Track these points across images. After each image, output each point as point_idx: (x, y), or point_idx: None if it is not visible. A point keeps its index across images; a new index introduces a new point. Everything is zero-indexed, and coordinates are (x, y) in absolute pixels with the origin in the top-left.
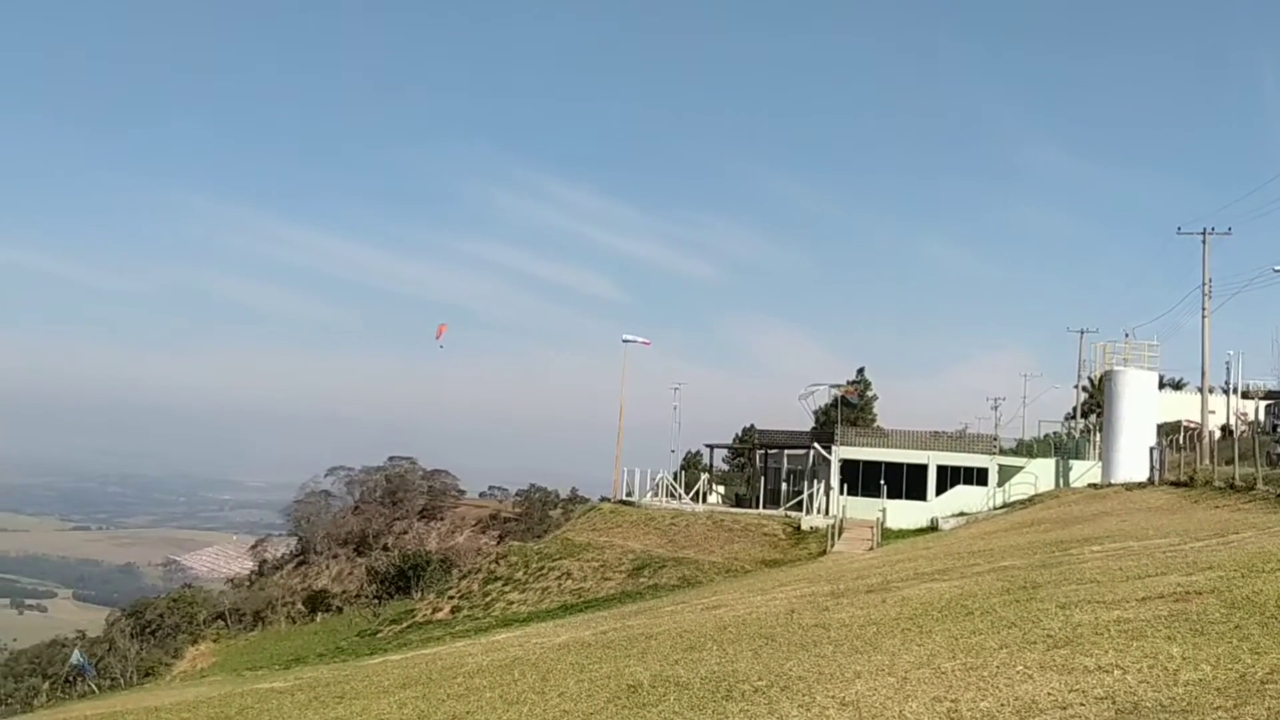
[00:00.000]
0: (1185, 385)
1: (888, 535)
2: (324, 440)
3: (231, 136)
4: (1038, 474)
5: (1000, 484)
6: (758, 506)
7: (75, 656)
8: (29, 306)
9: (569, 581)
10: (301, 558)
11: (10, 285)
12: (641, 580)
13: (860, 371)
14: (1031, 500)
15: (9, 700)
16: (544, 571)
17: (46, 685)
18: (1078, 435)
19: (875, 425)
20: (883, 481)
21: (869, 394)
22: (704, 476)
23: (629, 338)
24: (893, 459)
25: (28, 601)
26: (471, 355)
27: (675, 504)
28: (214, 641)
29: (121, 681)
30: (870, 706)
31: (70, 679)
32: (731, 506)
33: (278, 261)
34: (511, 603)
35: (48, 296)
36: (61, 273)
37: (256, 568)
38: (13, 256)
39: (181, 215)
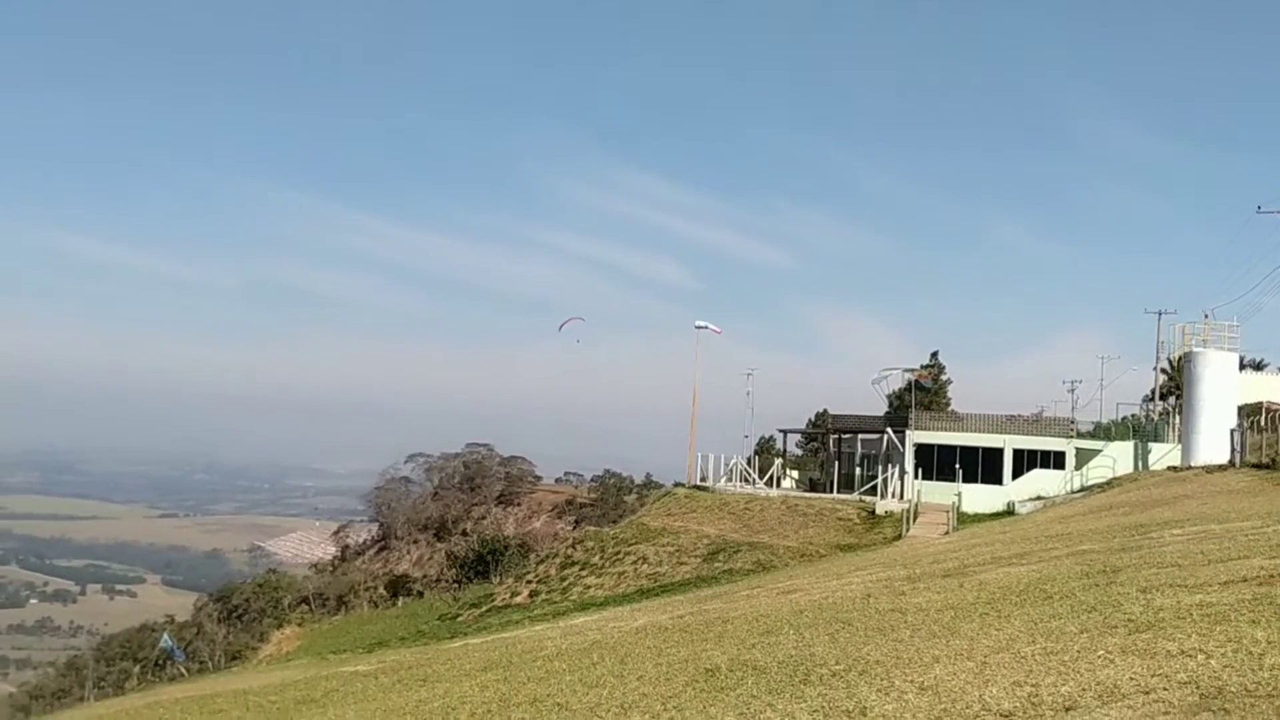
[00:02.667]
0: (1266, 366)
1: (963, 519)
2: (403, 428)
3: (306, 125)
4: (1116, 457)
5: (1077, 468)
6: (832, 491)
7: (164, 641)
8: (118, 301)
9: (645, 566)
10: (383, 543)
11: (99, 280)
12: (716, 565)
13: (934, 355)
14: (1110, 484)
15: (101, 683)
16: (620, 556)
17: (137, 669)
18: (1156, 418)
19: (949, 409)
20: (958, 466)
21: (943, 378)
22: (778, 461)
23: (701, 324)
24: (968, 443)
25: (118, 587)
26: (546, 342)
27: (749, 489)
28: (299, 625)
29: (210, 665)
30: (949, 691)
31: (160, 662)
32: (805, 491)
33: (352, 250)
34: (588, 587)
35: (134, 290)
36: (147, 266)
37: (339, 553)
38: (101, 251)
39: (259, 205)
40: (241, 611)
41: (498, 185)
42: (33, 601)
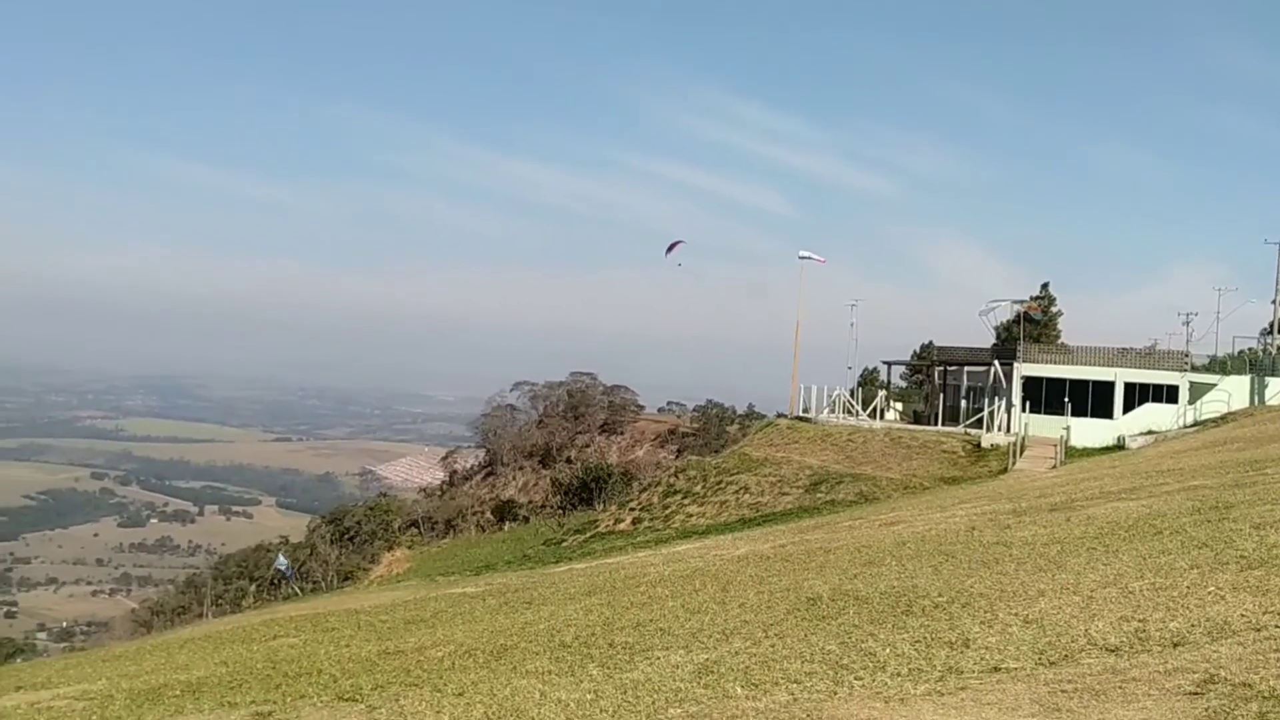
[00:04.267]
0: None
1: (1072, 454)
2: (509, 356)
3: (411, 57)
4: (1231, 392)
5: (1191, 402)
6: (936, 424)
7: (279, 561)
8: (235, 228)
9: (747, 496)
10: (489, 469)
11: (217, 208)
12: (819, 496)
13: (1044, 287)
14: (1224, 419)
15: (219, 600)
16: (722, 486)
17: (253, 587)
18: (1275, 352)
19: (1059, 342)
20: (1067, 399)
21: (1053, 310)
22: (881, 393)
23: (805, 254)
24: (1078, 376)
25: (234, 509)
26: (647, 271)
27: (852, 420)
28: (408, 548)
29: (323, 585)
30: (1055, 625)
31: (275, 582)
32: (909, 424)
33: (460, 181)
34: (690, 515)
35: (251, 219)
36: (261, 195)
37: (447, 478)
38: (217, 179)
39: (366, 135)
40: (353, 534)
41: (600, 116)
42: (153, 521)
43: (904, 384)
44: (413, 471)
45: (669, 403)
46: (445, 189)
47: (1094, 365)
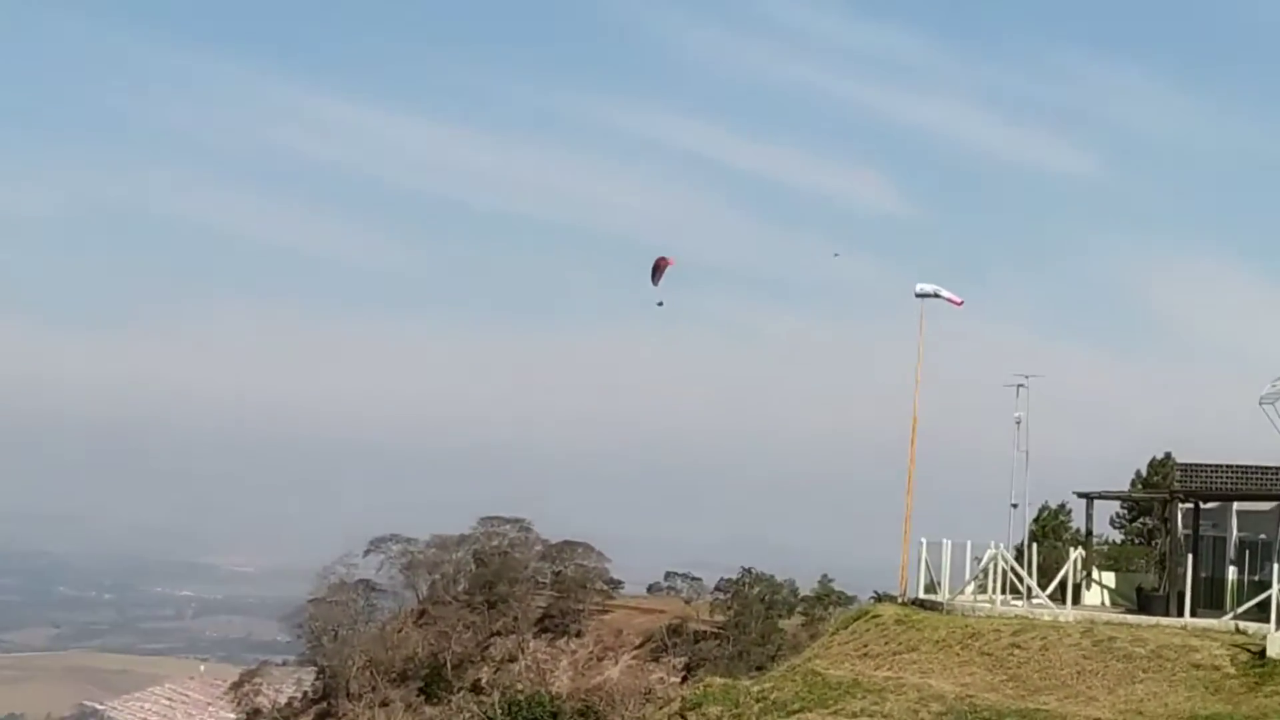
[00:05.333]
0: None
1: None
2: (364, 483)
3: None
4: None
5: None
6: (1179, 612)
7: None
8: None
9: None
10: (323, 704)
11: None
12: None
13: None
14: None
15: None
16: None
17: None
18: None
19: None
20: None
21: None
22: (1075, 554)
23: (927, 289)
24: None
25: None
26: (628, 322)
27: (1021, 607)
28: None
29: None
30: None
31: None
32: (1128, 611)
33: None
34: None
35: None
36: None
37: None
38: None
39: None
40: None
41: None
42: None
43: (1118, 535)
44: (177, 710)
45: (669, 575)
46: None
47: None
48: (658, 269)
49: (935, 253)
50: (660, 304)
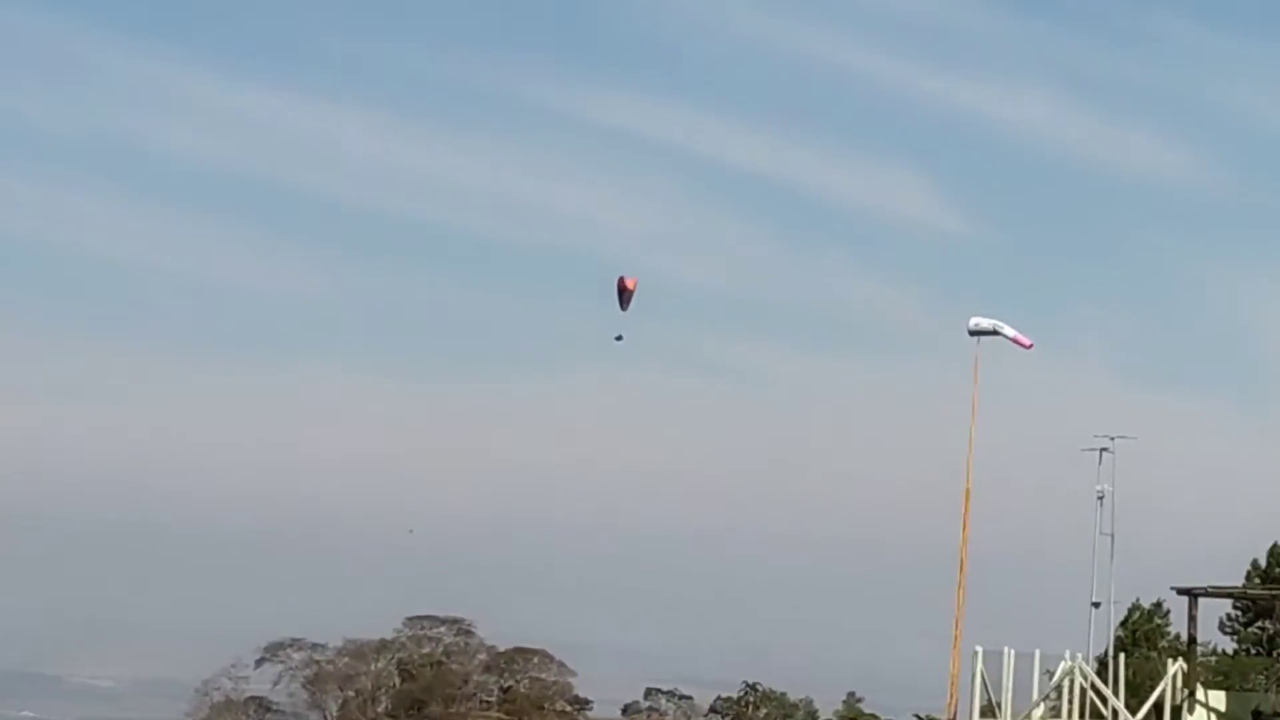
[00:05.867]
0: None
1: None
2: (255, 579)
3: None
4: None
5: None
6: None
7: None
8: None
9: None
10: None
11: None
12: None
13: None
14: None
15: None
16: None
17: None
18: None
19: None
20: None
21: None
22: (1175, 667)
23: (984, 326)
24: None
25: None
26: (603, 378)
27: None
28: None
29: None
30: None
31: None
32: None
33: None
34: None
35: None
36: None
37: None
38: None
39: None
40: None
41: None
42: None
43: (1229, 644)
44: None
45: (651, 691)
46: None
47: None
48: (623, 292)
49: (995, 279)
50: (619, 338)
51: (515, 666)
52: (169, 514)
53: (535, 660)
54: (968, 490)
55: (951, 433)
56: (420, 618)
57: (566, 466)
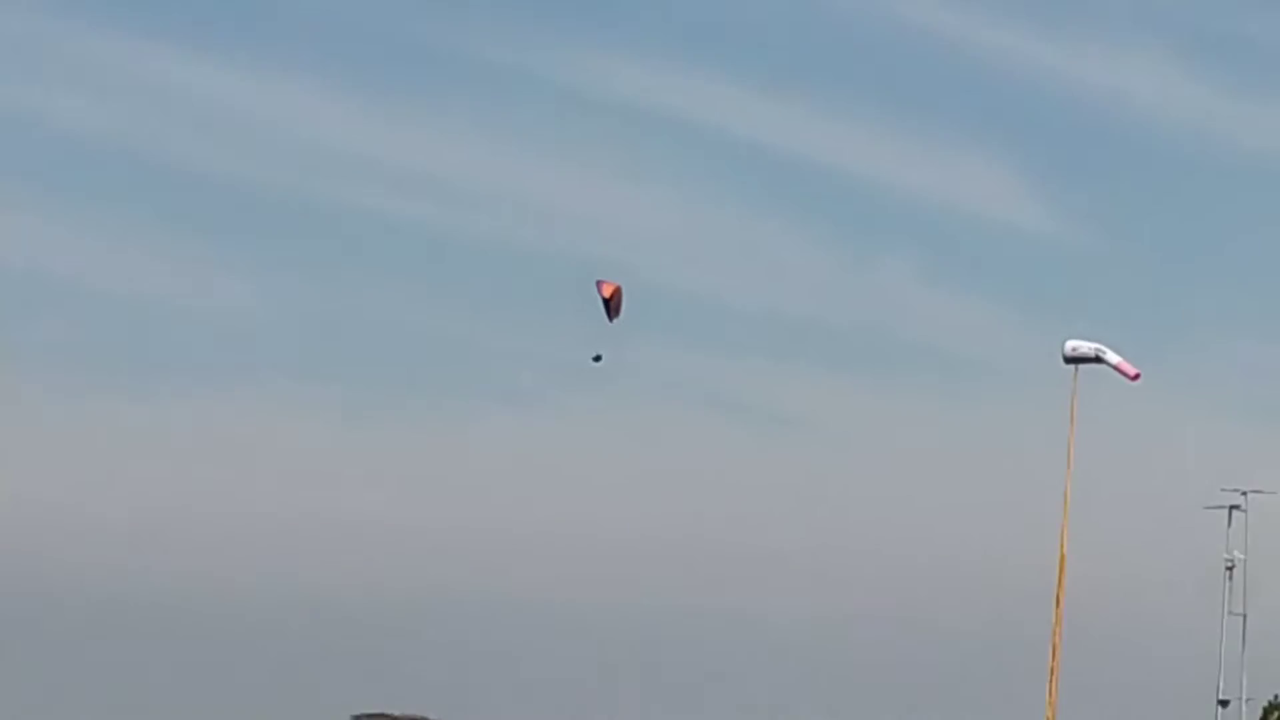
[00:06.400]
0: None
1: None
2: (147, 663)
3: None
4: None
5: None
6: None
7: None
8: None
9: None
10: None
11: None
12: None
13: None
14: None
15: None
16: None
17: None
18: None
19: None
20: None
21: None
22: None
23: (1083, 351)
24: None
25: None
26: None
27: None
28: None
29: None
30: None
31: None
32: None
33: None
34: None
35: None
36: None
37: None
38: None
39: None
40: None
41: None
42: None
43: None
44: None
45: None
46: None
47: None
48: (609, 300)
49: (1095, 292)
50: (598, 359)
51: None
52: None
53: None
54: (1062, 556)
55: (1040, 485)
56: (370, 715)
57: (543, 533)
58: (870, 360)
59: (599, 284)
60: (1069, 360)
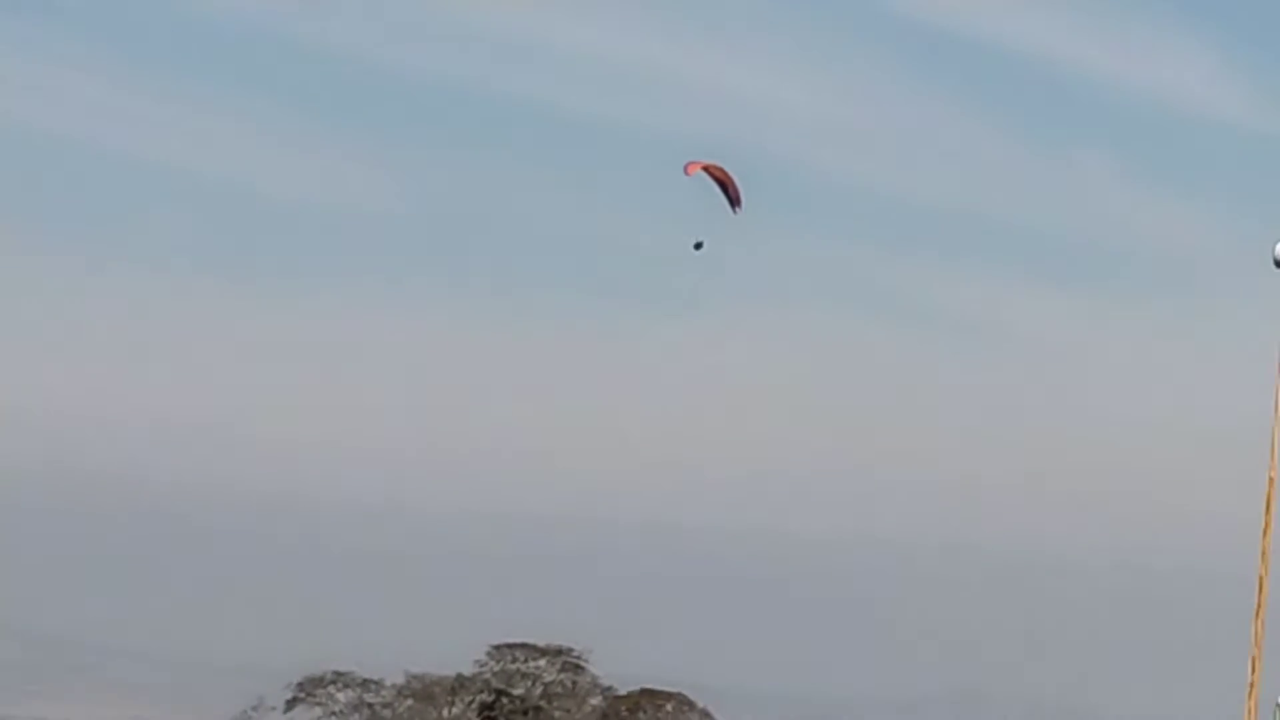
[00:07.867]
0: None
1: None
2: (287, 595)
3: None
4: None
5: None
6: None
7: None
8: None
9: None
10: None
11: None
12: None
13: None
14: None
15: None
16: None
17: None
18: None
19: None
20: None
21: None
22: None
23: None
24: None
25: None
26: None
27: None
28: None
29: None
30: None
31: None
32: None
33: None
34: None
35: None
36: None
37: None
38: None
39: None
40: None
41: None
42: None
43: None
44: None
45: None
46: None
47: None
48: (726, 186)
49: None
50: (699, 246)
51: (642, 714)
52: (167, 504)
53: (669, 707)
54: (1270, 480)
55: (1252, 402)
56: (511, 646)
57: (711, 459)
58: (1063, 262)
59: (709, 166)
60: None
